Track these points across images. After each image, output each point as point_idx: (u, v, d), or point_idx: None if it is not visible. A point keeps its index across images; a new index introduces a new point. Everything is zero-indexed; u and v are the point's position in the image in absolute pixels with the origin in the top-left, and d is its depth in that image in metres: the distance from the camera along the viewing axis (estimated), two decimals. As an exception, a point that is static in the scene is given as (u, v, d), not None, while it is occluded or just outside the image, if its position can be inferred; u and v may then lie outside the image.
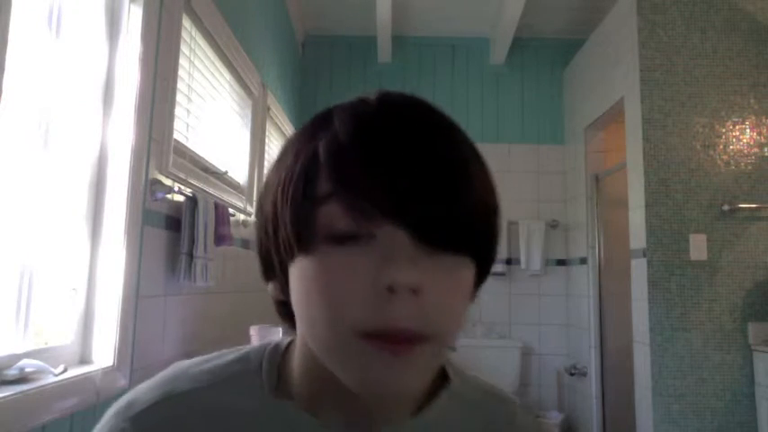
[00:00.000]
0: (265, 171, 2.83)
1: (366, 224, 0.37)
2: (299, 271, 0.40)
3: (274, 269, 0.44)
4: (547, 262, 3.63)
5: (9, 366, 1.07)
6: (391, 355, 0.37)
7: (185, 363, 0.49)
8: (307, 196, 0.39)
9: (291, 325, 0.46)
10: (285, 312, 0.46)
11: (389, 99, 0.42)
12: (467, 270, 0.40)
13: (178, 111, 1.74)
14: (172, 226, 1.67)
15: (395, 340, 0.37)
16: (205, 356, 0.49)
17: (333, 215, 0.38)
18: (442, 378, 0.50)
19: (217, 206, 1.88)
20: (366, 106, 0.42)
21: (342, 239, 0.38)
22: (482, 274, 0.43)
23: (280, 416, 0.44)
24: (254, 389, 0.46)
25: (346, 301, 0.37)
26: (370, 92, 0.43)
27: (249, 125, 2.57)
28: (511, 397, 0.54)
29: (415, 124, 0.40)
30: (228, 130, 2.33)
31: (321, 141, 0.40)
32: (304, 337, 0.44)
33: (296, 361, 0.46)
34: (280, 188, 0.41)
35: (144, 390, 0.46)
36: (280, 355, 0.48)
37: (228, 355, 0.49)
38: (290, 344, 0.49)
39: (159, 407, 0.44)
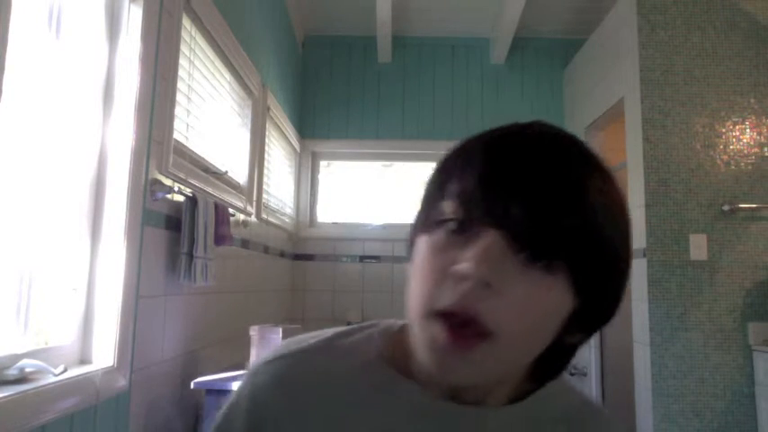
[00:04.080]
0: (265, 171, 2.83)
1: (469, 217, 0.42)
2: (417, 246, 0.46)
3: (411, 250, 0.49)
4: (547, 262, 3.63)
5: (9, 366, 1.07)
6: (450, 342, 0.40)
7: (306, 334, 0.55)
8: (437, 188, 0.46)
9: None
10: None
11: (524, 128, 0.46)
12: (557, 293, 0.41)
13: (178, 111, 1.74)
14: (172, 226, 1.67)
15: (457, 322, 0.40)
16: (326, 329, 0.55)
17: (451, 207, 0.43)
18: (539, 382, 0.51)
19: (217, 206, 1.88)
20: (498, 130, 0.46)
21: (453, 228, 0.42)
22: (592, 313, 0.44)
23: (385, 384, 0.49)
24: (365, 356, 0.51)
25: (430, 278, 0.42)
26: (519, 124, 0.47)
27: (249, 125, 2.57)
28: (602, 408, 0.55)
29: (539, 150, 0.43)
30: (228, 130, 2.33)
31: (459, 147, 0.47)
32: None
33: (409, 336, 0.49)
34: (427, 183, 0.48)
35: (267, 354, 0.53)
36: (396, 330, 0.53)
37: (347, 327, 0.55)
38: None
39: (274, 364, 0.51)
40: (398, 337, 0.52)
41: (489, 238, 0.40)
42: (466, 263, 0.39)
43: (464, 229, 0.42)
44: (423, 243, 0.45)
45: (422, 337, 0.42)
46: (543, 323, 0.42)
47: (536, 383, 0.50)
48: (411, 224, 0.50)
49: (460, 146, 0.47)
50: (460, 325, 0.39)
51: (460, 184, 0.43)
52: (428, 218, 0.45)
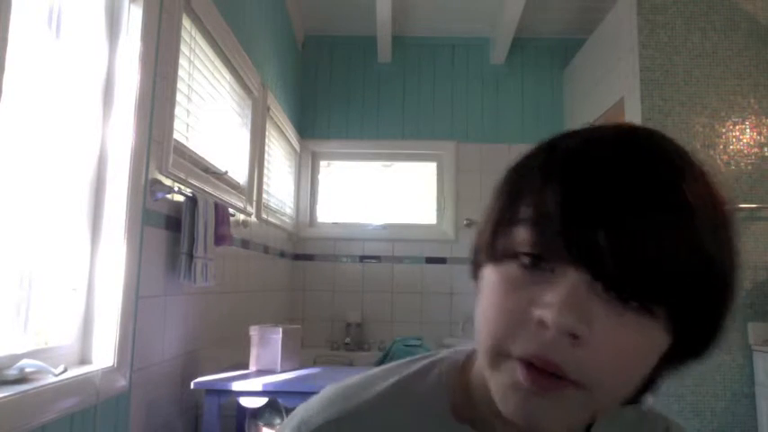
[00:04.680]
0: (265, 171, 2.83)
1: (548, 251, 0.36)
2: (485, 276, 0.41)
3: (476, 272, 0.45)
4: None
5: (9, 366, 1.07)
6: (533, 383, 0.35)
7: (360, 376, 0.49)
8: (508, 206, 0.39)
9: None
10: None
11: (615, 136, 0.39)
12: (651, 334, 0.36)
13: (178, 111, 1.74)
14: (172, 226, 1.67)
15: (538, 369, 0.35)
16: (381, 369, 0.49)
17: (524, 237, 0.37)
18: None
19: (217, 206, 1.88)
20: (580, 138, 0.40)
21: (527, 263, 0.37)
22: (690, 347, 0.39)
23: None
24: (433, 407, 0.45)
25: (504, 320, 0.37)
26: (603, 126, 0.41)
27: (249, 125, 2.57)
28: (663, 415, 0.52)
29: (631, 166, 0.36)
30: (228, 130, 2.33)
31: (535, 155, 0.41)
32: None
33: (477, 374, 0.45)
34: (495, 196, 0.42)
35: (319, 407, 0.46)
36: (460, 367, 0.48)
37: (407, 368, 0.49)
38: (473, 353, 0.48)
39: (333, 426, 0.44)
40: (463, 377, 0.47)
41: (573, 280, 0.35)
42: (547, 309, 0.35)
43: (541, 263, 0.36)
44: (492, 276, 0.39)
45: (500, 379, 0.38)
46: (636, 368, 0.37)
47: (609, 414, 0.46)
48: (475, 242, 0.44)
49: (535, 153, 0.41)
50: (543, 366, 0.35)
51: (537, 209, 0.37)
52: (497, 242, 0.39)
